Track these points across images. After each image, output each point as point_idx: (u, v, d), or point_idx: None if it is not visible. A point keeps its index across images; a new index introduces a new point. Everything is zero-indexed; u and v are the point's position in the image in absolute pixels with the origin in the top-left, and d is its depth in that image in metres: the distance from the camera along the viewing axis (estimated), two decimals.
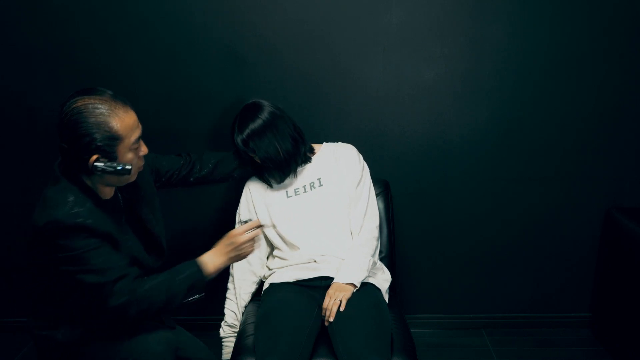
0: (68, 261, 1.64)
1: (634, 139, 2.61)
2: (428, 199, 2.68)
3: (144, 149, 1.77)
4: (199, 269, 1.80)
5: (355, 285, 2.07)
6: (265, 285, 2.22)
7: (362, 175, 2.24)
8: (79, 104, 1.62)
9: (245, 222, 2.21)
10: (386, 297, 2.19)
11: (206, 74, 2.51)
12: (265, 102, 2.18)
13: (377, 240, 2.24)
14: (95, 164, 1.64)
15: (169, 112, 2.56)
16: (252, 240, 1.87)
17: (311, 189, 2.22)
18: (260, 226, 1.90)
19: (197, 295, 1.85)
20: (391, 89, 2.54)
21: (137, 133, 1.72)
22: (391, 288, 2.27)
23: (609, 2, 2.44)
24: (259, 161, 2.17)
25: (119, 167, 1.66)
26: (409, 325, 2.17)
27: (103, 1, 2.42)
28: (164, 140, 2.57)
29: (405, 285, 2.73)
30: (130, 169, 1.68)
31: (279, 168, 2.16)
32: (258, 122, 2.14)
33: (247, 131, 2.13)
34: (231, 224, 2.31)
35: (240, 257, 1.88)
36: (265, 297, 2.15)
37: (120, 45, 2.47)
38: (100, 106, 1.63)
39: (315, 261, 2.18)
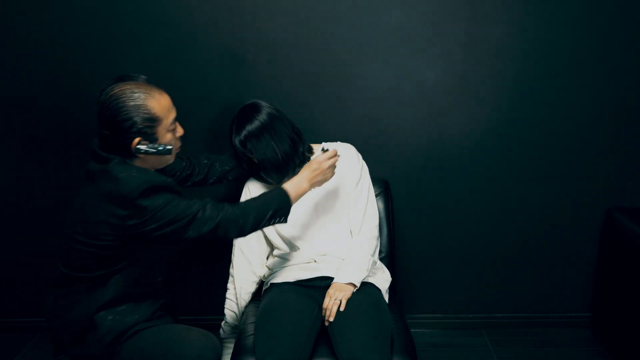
0: (156, 219, 1.72)
1: (634, 139, 2.61)
2: (428, 199, 2.68)
3: (180, 130, 1.86)
4: (284, 193, 1.93)
5: (355, 285, 2.07)
6: (266, 285, 2.22)
7: (361, 175, 2.24)
8: (116, 90, 1.71)
9: None
10: (386, 297, 2.19)
11: (206, 74, 2.50)
12: (263, 103, 2.18)
13: (377, 239, 2.24)
14: (138, 146, 1.72)
15: None
16: (334, 166, 2.04)
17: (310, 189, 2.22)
18: (337, 155, 2.05)
19: (280, 219, 1.94)
20: (391, 89, 2.54)
21: (174, 114, 1.81)
22: (391, 288, 2.28)
23: (609, 2, 2.44)
24: (257, 162, 2.17)
25: (161, 148, 1.75)
26: (409, 325, 2.17)
27: (102, 1, 2.42)
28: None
29: (405, 285, 2.73)
30: (171, 149, 1.77)
31: (277, 169, 2.16)
32: (255, 123, 2.13)
33: (244, 132, 2.13)
34: None
35: (322, 182, 2.04)
36: (266, 297, 2.15)
37: (119, 45, 2.47)
38: (137, 90, 1.72)
39: (315, 261, 2.18)
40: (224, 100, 2.53)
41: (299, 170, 2.22)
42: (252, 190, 2.26)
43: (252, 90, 2.51)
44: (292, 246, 2.20)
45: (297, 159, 2.19)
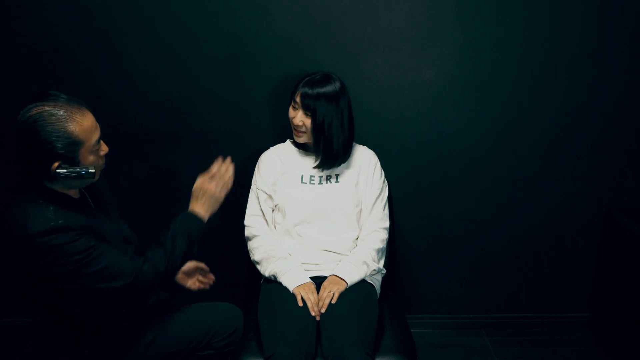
0: (61, 262, 1.62)
1: (634, 139, 2.61)
2: (428, 199, 2.68)
3: (104, 148, 1.75)
4: (195, 216, 1.84)
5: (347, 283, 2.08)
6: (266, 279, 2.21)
7: (381, 189, 2.24)
8: (34, 112, 1.59)
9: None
10: (378, 287, 2.18)
11: (206, 74, 2.50)
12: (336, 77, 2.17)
13: (384, 243, 2.22)
14: (58, 170, 1.62)
15: (168, 112, 2.55)
16: (222, 182, 1.88)
17: (327, 182, 2.21)
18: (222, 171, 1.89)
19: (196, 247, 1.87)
20: (391, 89, 2.54)
21: (97, 134, 1.69)
22: (391, 288, 2.27)
23: (608, 2, 2.44)
24: (316, 123, 2.11)
25: (83, 172, 1.64)
26: (409, 325, 2.17)
27: (102, 1, 2.42)
28: (163, 140, 2.57)
29: (405, 285, 2.73)
30: (94, 172, 1.66)
31: (326, 141, 2.12)
32: (328, 88, 2.11)
33: (317, 89, 2.10)
34: (231, 227, 2.30)
35: (218, 202, 1.88)
36: (266, 291, 2.13)
37: (119, 46, 2.47)
38: (56, 112, 1.59)
39: (317, 264, 2.17)
40: (225, 99, 2.53)
41: (342, 161, 2.20)
42: (269, 163, 2.23)
43: (252, 90, 2.51)
44: (299, 242, 2.19)
45: (347, 154, 2.20)
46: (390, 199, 2.35)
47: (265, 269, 2.14)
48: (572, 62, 2.51)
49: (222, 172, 1.89)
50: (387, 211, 2.26)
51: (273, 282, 2.13)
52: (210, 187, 1.86)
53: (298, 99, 2.13)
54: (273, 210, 2.24)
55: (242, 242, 2.27)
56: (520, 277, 2.78)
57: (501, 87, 2.54)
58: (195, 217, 1.84)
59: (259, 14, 2.44)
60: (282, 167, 2.22)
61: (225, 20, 2.45)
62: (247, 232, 2.24)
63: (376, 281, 2.19)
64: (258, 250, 2.18)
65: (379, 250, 2.19)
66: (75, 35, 2.46)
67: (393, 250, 2.40)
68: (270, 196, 2.22)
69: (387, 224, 2.25)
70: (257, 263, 2.18)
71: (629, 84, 2.54)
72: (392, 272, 2.33)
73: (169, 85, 2.52)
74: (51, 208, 1.63)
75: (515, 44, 2.49)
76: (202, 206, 1.86)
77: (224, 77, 2.51)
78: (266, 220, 2.23)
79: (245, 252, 2.26)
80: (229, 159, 1.94)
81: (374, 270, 2.16)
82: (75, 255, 1.61)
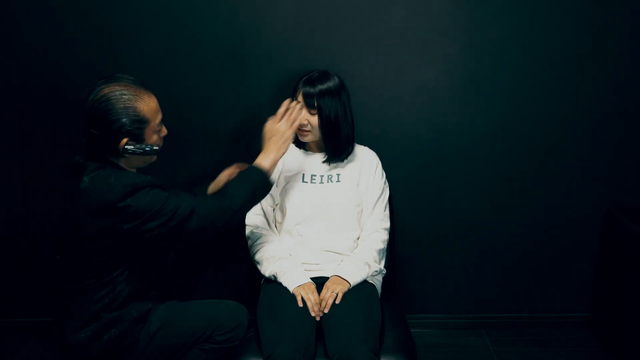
0: (147, 216, 1.72)
1: (634, 139, 2.61)
2: (428, 199, 2.68)
3: (164, 131, 1.90)
4: (259, 169, 1.94)
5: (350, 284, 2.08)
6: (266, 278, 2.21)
7: (382, 190, 2.25)
8: (106, 91, 1.73)
9: None
10: (379, 287, 2.18)
11: (206, 74, 2.51)
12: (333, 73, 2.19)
13: (384, 243, 2.23)
14: (126, 146, 1.76)
15: (168, 112, 2.54)
16: (290, 121, 2.02)
17: (328, 182, 2.21)
18: (288, 109, 2.03)
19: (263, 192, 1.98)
20: (391, 89, 2.54)
21: (160, 116, 1.85)
22: (391, 288, 2.27)
23: (609, 2, 2.44)
24: (324, 119, 2.13)
25: (148, 148, 1.79)
26: (409, 325, 2.17)
27: (104, 1, 2.42)
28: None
29: (405, 285, 2.73)
30: (157, 150, 1.81)
31: (335, 135, 2.14)
32: (329, 83, 2.13)
33: (319, 87, 2.11)
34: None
35: (288, 140, 2.01)
36: (267, 291, 2.13)
37: (120, 46, 2.47)
38: (126, 92, 1.75)
39: (318, 263, 2.17)
40: (225, 100, 2.53)
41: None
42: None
43: (252, 90, 2.51)
44: (299, 241, 2.20)
45: (349, 147, 2.21)
46: (390, 199, 2.35)
47: (266, 269, 2.14)
48: (571, 61, 2.51)
49: (288, 113, 2.03)
50: (387, 212, 2.27)
51: (273, 282, 2.13)
52: (279, 127, 2.01)
53: (300, 98, 2.13)
54: (274, 210, 2.24)
55: (242, 241, 2.28)
56: (520, 277, 2.78)
57: (501, 87, 2.54)
58: (255, 169, 1.95)
59: (259, 14, 2.44)
60: (283, 166, 2.22)
61: (225, 20, 2.45)
62: (247, 232, 2.24)
63: (377, 281, 2.19)
64: (259, 250, 2.18)
65: (380, 251, 2.19)
66: (76, 35, 2.46)
67: (393, 251, 2.41)
68: (271, 195, 2.22)
69: (387, 224, 2.25)
70: (258, 263, 2.18)
71: (629, 84, 2.54)
72: (392, 272, 2.33)
73: (169, 85, 2.52)
74: (132, 172, 1.80)
75: (515, 44, 2.49)
76: (273, 145, 1.99)
77: (224, 77, 2.51)
78: (267, 220, 2.23)
79: (246, 252, 2.26)
80: (295, 102, 2.08)
81: (376, 271, 2.16)
82: (152, 208, 1.72)
